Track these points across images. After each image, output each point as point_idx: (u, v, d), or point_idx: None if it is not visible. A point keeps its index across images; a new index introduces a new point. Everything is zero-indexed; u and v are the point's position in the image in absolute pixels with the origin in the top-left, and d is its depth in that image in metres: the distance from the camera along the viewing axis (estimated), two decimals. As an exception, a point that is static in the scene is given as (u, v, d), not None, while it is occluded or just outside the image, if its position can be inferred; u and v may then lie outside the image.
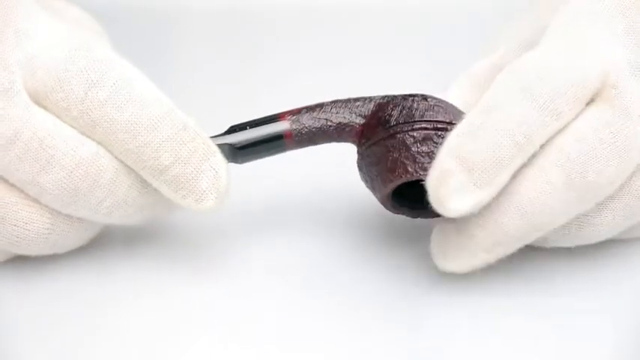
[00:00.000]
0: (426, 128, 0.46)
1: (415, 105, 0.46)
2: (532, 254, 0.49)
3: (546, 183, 0.45)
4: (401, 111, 0.46)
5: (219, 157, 0.46)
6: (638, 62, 0.46)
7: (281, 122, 0.47)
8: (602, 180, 0.45)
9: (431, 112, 0.46)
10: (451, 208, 0.43)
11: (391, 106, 0.47)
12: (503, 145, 0.44)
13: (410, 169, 0.45)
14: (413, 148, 0.45)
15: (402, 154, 0.46)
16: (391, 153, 0.46)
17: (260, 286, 0.49)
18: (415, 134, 0.46)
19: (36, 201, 0.46)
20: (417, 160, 0.45)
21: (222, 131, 0.48)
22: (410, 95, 0.47)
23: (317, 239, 0.51)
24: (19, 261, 0.49)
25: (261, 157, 0.48)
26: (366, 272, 0.49)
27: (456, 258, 0.46)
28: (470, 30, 0.67)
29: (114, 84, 0.46)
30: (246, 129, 0.47)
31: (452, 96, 0.51)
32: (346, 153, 0.49)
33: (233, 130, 0.48)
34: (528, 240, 0.46)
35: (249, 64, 0.68)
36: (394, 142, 0.46)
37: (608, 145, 0.45)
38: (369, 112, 0.47)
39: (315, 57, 0.69)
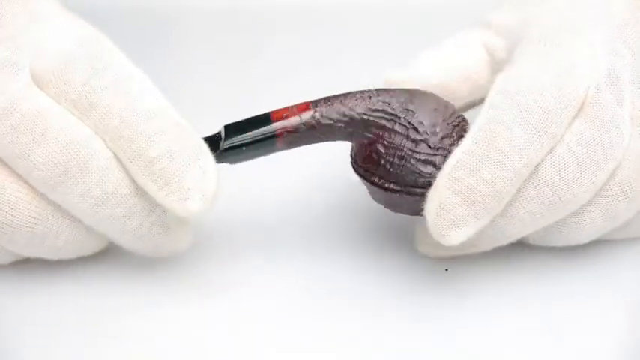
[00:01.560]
0: (424, 188, 0.46)
1: (414, 164, 0.46)
2: (532, 255, 0.49)
3: (516, 195, 0.45)
4: (402, 162, 0.46)
5: (210, 160, 0.45)
6: (615, 71, 0.46)
7: (273, 123, 0.47)
8: (572, 193, 0.45)
9: (430, 177, 0.46)
10: (452, 241, 0.44)
11: (392, 148, 0.46)
12: (504, 178, 0.44)
13: (406, 213, 0.47)
14: (411, 202, 0.46)
15: (401, 204, 0.47)
16: (390, 198, 0.47)
17: (259, 287, 0.49)
18: (412, 192, 0.46)
19: (24, 187, 0.46)
20: (414, 208, 0.46)
21: (218, 131, 0.47)
22: (412, 125, 0.46)
23: (316, 239, 0.51)
24: (23, 268, 0.49)
25: (252, 157, 0.47)
26: (365, 273, 0.49)
27: (429, 247, 0.48)
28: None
29: (117, 73, 0.46)
30: (238, 129, 0.47)
31: (422, 71, 0.51)
32: (344, 149, 0.49)
33: (225, 129, 0.47)
34: (500, 244, 0.47)
35: (249, 64, 0.68)
36: (394, 195, 0.46)
37: (578, 158, 0.45)
38: (366, 142, 0.47)
39: (315, 57, 0.69)
